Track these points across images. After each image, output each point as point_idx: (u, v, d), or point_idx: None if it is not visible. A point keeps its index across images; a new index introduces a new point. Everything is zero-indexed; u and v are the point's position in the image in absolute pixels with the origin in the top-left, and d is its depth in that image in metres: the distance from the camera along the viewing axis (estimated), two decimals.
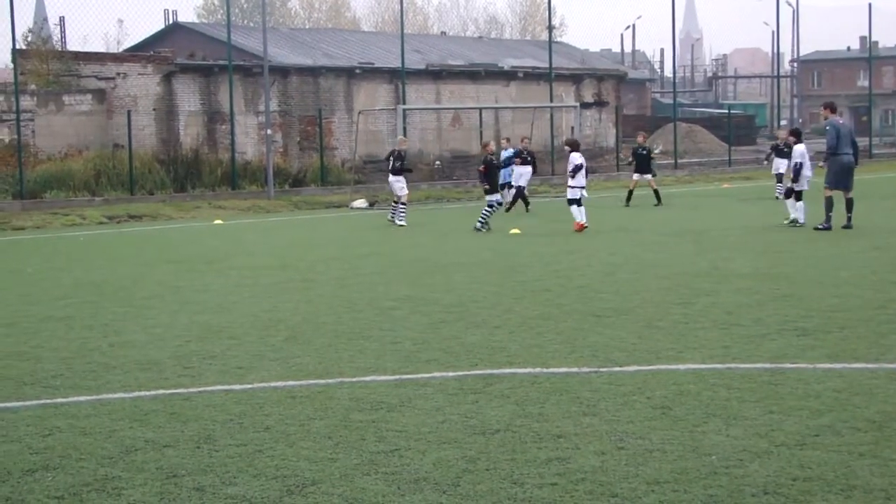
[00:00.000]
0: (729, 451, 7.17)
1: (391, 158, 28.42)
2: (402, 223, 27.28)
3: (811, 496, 6.30)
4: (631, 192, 32.08)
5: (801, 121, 64.90)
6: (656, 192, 31.93)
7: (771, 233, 22.11)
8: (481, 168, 26.66)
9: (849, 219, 22.34)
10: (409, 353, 10.66)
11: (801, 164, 23.28)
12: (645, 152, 32.59)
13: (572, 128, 42.55)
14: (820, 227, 22.02)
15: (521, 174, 31.65)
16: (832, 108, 23.28)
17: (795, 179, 23.35)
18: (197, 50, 46.94)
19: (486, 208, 25.47)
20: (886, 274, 15.38)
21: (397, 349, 10.90)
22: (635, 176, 32.33)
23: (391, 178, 28.14)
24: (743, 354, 10.17)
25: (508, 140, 36.96)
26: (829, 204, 22.24)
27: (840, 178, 22.43)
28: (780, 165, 34.05)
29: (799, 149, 23.95)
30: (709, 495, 6.35)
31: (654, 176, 32.69)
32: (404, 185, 28.15)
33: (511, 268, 17.48)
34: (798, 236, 21.33)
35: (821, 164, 23.81)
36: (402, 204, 27.88)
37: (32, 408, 8.88)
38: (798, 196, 23.33)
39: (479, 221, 25.12)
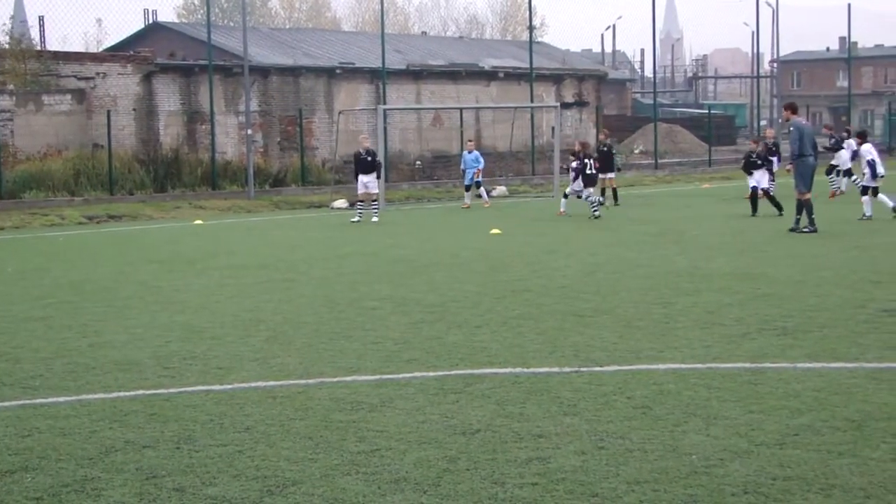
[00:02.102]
0: (709, 450, 7.19)
1: (371, 158, 28.77)
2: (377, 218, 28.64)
3: (791, 495, 6.31)
4: (603, 191, 31.98)
5: (780, 121, 65.01)
6: (614, 191, 31.95)
7: (751, 232, 22.17)
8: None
9: (797, 220, 22.14)
10: (390, 353, 10.66)
11: (874, 160, 24.54)
12: (606, 149, 32.37)
13: (553, 128, 42.55)
14: (806, 230, 21.89)
15: (760, 176, 27.88)
16: (793, 108, 22.95)
17: (874, 176, 24.84)
18: (177, 50, 46.78)
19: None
20: (866, 273, 15.43)
21: (378, 349, 10.90)
22: (600, 175, 31.20)
23: (368, 177, 28.50)
24: (723, 354, 10.19)
25: (472, 141, 36.63)
26: (810, 207, 22.14)
27: (809, 179, 22.32)
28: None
29: (865, 147, 25.87)
30: (689, 495, 6.36)
31: (617, 172, 32.56)
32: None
33: (492, 268, 17.49)
34: (778, 236, 21.38)
35: (787, 167, 24.02)
36: (375, 201, 29.18)
37: (11, 408, 8.85)
38: (874, 191, 24.67)
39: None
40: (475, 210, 32.33)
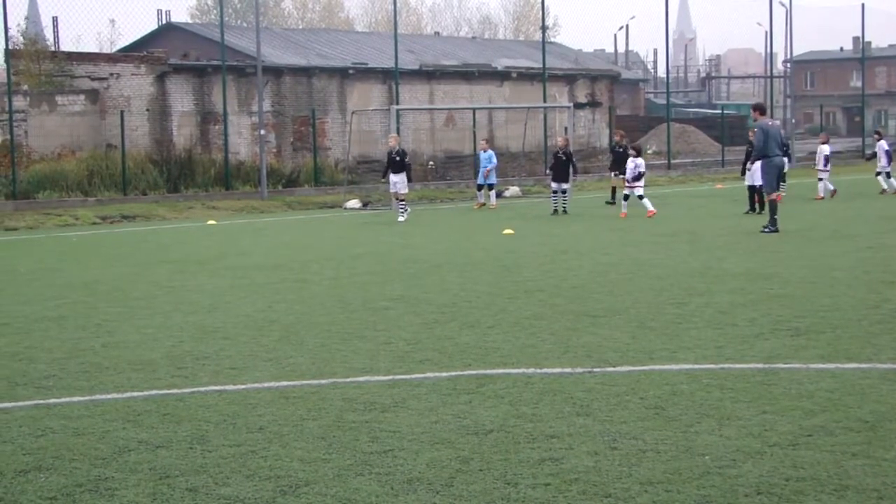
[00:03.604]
0: (722, 451, 7.18)
1: (400, 158, 29.52)
2: (405, 218, 28.75)
3: (804, 496, 6.30)
4: (614, 190, 33.01)
5: (794, 121, 64.85)
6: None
7: (764, 234, 22.09)
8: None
9: (776, 221, 22.29)
10: (402, 354, 10.66)
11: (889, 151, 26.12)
12: (621, 150, 33.07)
13: (566, 128, 42.51)
14: (766, 229, 22.05)
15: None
16: (761, 110, 23.62)
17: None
18: (190, 50, 46.88)
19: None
20: (879, 274, 15.39)
21: (391, 349, 10.90)
22: (612, 174, 33.37)
23: (397, 177, 29.22)
24: (736, 354, 10.17)
25: (487, 141, 36.63)
26: (774, 206, 22.31)
27: (775, 179, 22.50)
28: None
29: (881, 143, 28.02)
30: (702, 495, 6.35)
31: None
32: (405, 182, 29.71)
33: (505, 268, 17.49)
34: (790, 236, 21.34)
35: (749, 165, 24.64)
36: (403, 201, 29.41)
37: (25, 408, 8.87)
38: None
39: None
40: (487, 210, 32.33)
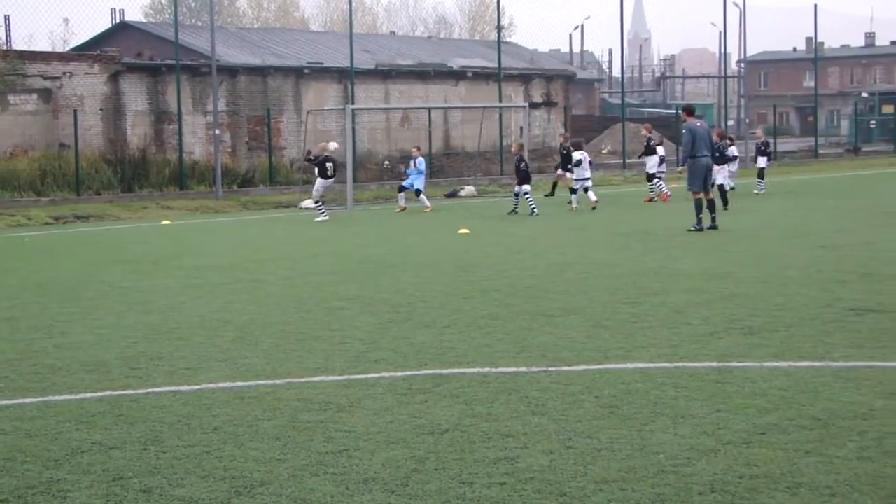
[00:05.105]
0: (676, 449, 7.21)
1: (330, 164, 30.17)
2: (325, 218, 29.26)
3: (758, 494, 6.34)
4: (554, 185, 36.00)
5: (747, 121, 65.16)
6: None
7: (718, 232, 22.23)
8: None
9: (713, 219, 22.75)
10: (357, 354, 10.64)
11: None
12: (566, 152, 34.34)
13: (521, 128, 42.61)
14: (692, 228, 22.31)
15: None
16: (690, 111, 23.98)
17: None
18: (144, 49, 46.63)
19: None
20: (831, 273, 15.50)
21: (346, 349, 10.88)
22: (559, 172, 34.98)
23: (328, 182, 30.12)
24: (691, 353, 10.22)
25: (419, 149, 35.53)
26: (699, 206, 22.54)
27: (701, 179, 22.75)
28: (761, 162, 35.31)
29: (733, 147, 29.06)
30: (656, 494, 6.37)
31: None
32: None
33: (460, 268, 17.49)
34: (745, 236, 21.47)
35: (679, 169, 25.25)
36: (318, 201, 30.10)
37: None
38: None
39: None
40: (442, 211, 32.29)
